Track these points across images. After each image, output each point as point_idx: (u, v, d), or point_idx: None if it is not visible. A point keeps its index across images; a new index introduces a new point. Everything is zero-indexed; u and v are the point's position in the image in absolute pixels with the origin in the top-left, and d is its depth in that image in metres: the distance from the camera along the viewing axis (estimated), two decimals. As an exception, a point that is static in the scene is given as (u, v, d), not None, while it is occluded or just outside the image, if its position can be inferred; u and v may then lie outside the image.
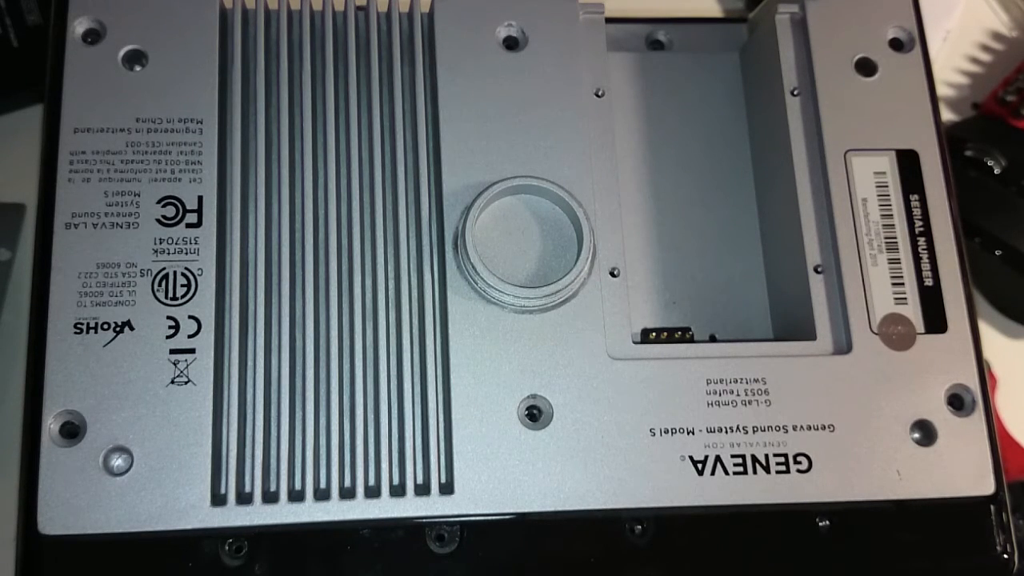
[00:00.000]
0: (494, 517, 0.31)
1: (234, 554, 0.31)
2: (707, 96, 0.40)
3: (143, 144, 0.33)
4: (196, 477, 0.30)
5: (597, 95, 0.36)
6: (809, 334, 0.35)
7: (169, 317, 0.32)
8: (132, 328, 0.31)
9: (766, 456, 0.33)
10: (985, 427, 0.34)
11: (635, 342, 0.34)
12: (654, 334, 0.35)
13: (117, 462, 0.30)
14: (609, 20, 0.38)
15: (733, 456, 0.32)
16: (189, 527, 0.30)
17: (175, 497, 0.30)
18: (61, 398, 0.31)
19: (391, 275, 0.34)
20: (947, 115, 0.49)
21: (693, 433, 0.33)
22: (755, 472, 0.32)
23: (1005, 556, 0.33)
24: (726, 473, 0.32)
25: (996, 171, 0.45)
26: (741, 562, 0.33)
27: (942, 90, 0.50)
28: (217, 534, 0.30)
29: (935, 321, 0.35)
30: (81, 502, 0.30)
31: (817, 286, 0.35)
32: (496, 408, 0.32)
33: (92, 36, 0.34)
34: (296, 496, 0.31)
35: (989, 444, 0.33)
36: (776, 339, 0.36)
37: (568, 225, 0.34)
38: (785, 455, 0.33)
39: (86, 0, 0.34)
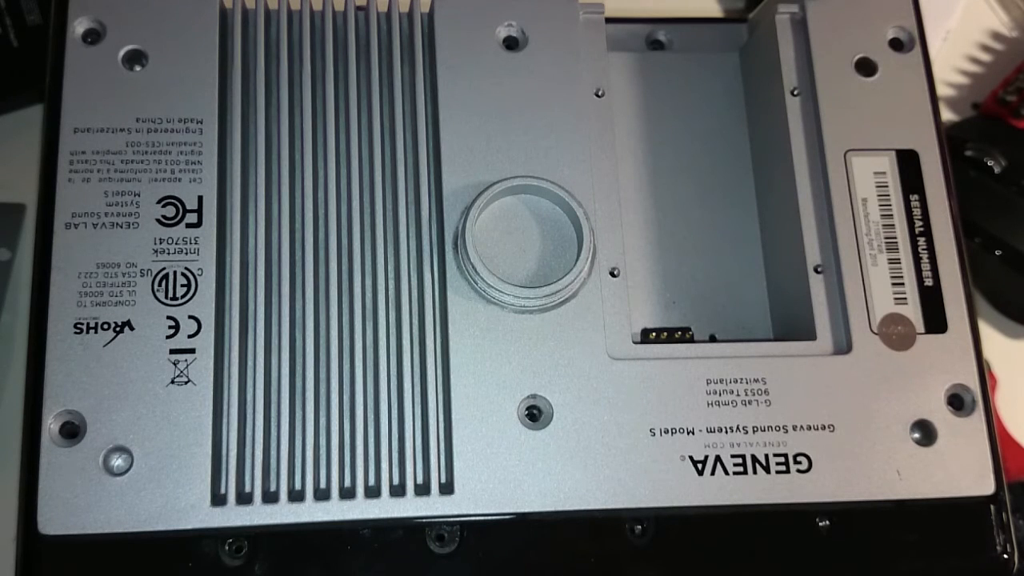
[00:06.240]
0: (494, 517, 0.31)
1: (234, 554, 0.31)
2: (707, 96, 0.40)
3: (143, 144, 0.33)
4: (196, 477, 0.30)
5: (597, 95, 0.36)
6: (809, 334, 0.35)
7: (169, 317, 0.32)
8: (132, 328, 0.31)
9: (766, 456, 0.33)
10: (985, 427, 0.34)
11: (635, 342, 0.34)
12: (654, 334, 0.35)
13: (117, 462, 0.30)
14: (609, 20, 0.38)
15: (733, 456, 0.32)
16: (189, 527, 0.30)
17: (175, 497, 0.30)
18: (61, 398, 0.31)
19: (391, 275, 0.34)
20: (947, 115, 0.49)
21: (693, 433, 0.33)
22: (755, 472, 0.32)
23: (1005, 556, 0.33)
24: (726, 473, 0.32)
25: (996, 171, 0.45)
26: (741, 562, 0.33)
27: (942, 90, 0.50)
28: (217, 534, 0.30)
29: (935, 321, 0.35)
30: (81, 502, 0.30)
31: (817, 286, 0.35)
32: (496, 408, 0.32)
33: (92, 36, 0.34)
34: (296, 496, 0.31)
35: (989, 444, 0.33)
36: (776, 339, 0.36)
37: (568, 225, 0.34)
38: (785, 455, 0.33)
39: (86, 0, 0.34)
